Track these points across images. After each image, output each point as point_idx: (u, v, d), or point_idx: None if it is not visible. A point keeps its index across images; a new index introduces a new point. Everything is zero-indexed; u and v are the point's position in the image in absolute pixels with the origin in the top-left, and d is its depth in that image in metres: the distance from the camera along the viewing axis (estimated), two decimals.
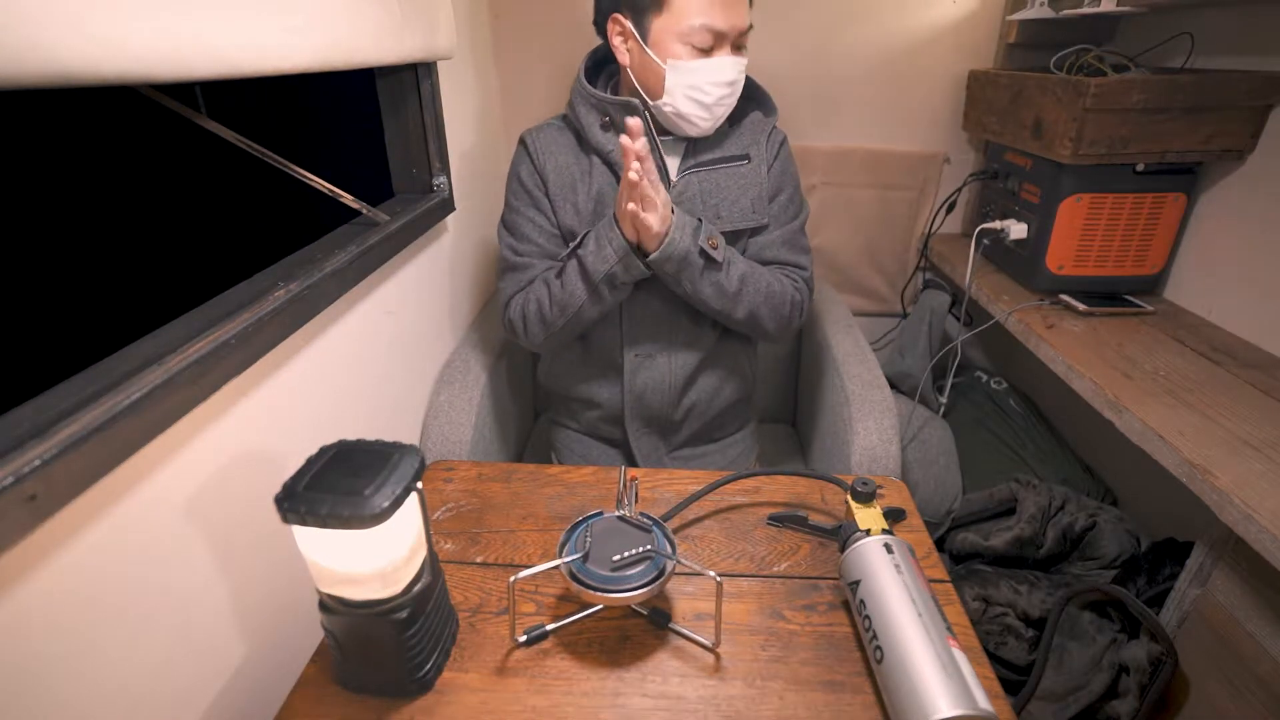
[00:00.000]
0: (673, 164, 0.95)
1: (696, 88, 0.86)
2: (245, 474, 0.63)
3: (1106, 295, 1.16)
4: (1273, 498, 0.69)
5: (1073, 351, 1.00)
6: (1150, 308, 1.13)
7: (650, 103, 0.90)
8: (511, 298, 0.96)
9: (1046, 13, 1.19)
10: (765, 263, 0.97)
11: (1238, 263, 1.05)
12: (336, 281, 0.73)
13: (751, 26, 0.87)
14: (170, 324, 0.58)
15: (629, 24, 0.87)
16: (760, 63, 1.34)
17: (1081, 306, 1.13)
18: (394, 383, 0.95)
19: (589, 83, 0.93)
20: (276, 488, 0.68)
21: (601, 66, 1.00)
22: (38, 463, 0.40)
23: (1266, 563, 0.67)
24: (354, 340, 0.83)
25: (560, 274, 0.90)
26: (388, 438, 0.91)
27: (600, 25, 0.91)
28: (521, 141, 0.97)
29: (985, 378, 1.48)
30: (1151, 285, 1.18)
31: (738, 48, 0.87)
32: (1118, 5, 1.05)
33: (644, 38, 0.86)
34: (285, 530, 0.71)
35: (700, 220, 0.87)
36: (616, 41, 0.89)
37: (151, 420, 0.49)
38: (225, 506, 0.60)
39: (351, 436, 0.83)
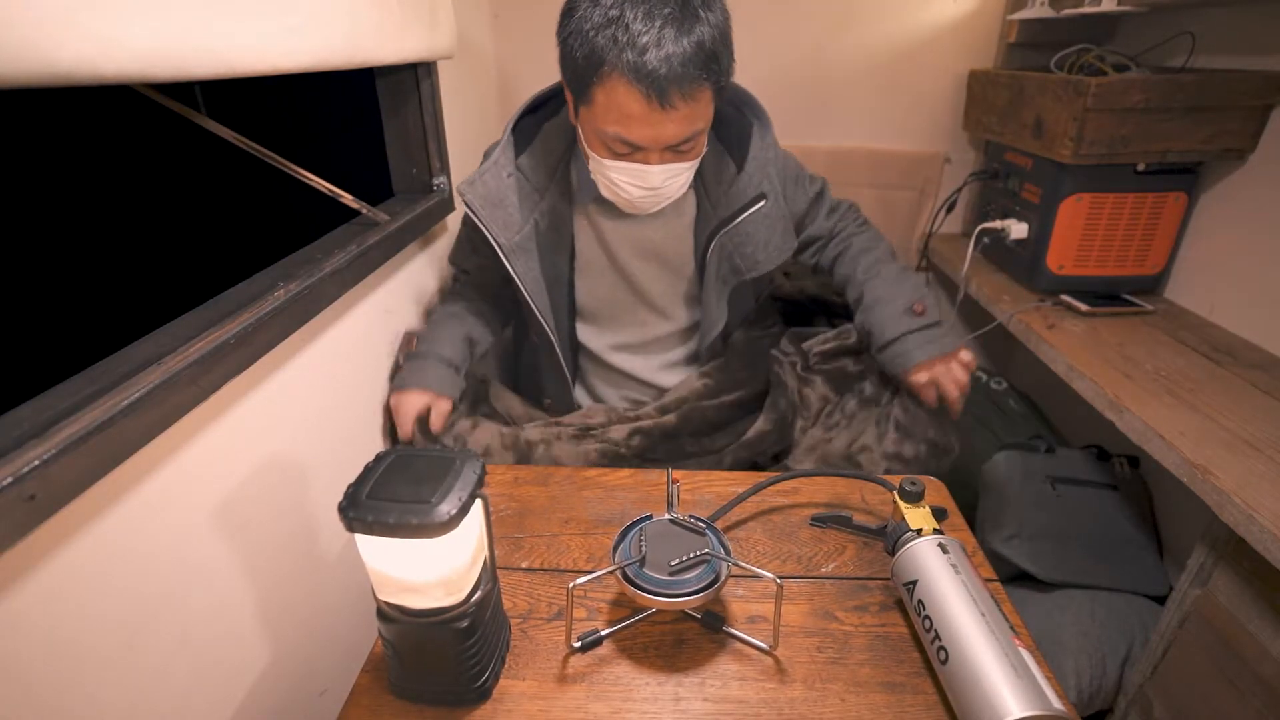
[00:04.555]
0: (683, 225, 0.93)
1: (615, 184, 0.82)
2: (245, 474, 0.63)
3: (1107, 295, 1.16)
4: (1274, 498, 0.69)
5: (1073, 351, 1.00)
6: (1151, 307, 1.13)
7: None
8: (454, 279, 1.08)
9: (1047, 12, 1.19)
10: (826, 236, 1.02)
11: (1239, 262, 1.05)
12: (336, 281, 0.73)
13: (699, 132, 0.78)
14: (170, 324, 0.58)
15: (570, 98, 0.81)
16: (760, 63, 1.35)
17: (1082, 306, 1.13)
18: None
19: (529, 112, 0.91)
20: (276, 487, 0.69)
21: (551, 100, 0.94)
22: (37, 463, 0.40)
23: (1268, 563, 0.67)
24: (354, 340, 0.83)
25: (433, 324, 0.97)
26: (387, 438, 0.92)
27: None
28: (467, 207, 0.88)
29: (985, 378, 1.48)
30: (1152, 285, 1.18)
31: (679, 151, 0.78)
32: (1118, 4, 1.05)
33: (577, 118, 0.82)
34: (290, 530, 0.71)
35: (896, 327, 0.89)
36: (570, 101, 0.82)
37: (151, 420, 0.49)
38: (225, 507, 0.60)
39: (351, 436, 0.84)
